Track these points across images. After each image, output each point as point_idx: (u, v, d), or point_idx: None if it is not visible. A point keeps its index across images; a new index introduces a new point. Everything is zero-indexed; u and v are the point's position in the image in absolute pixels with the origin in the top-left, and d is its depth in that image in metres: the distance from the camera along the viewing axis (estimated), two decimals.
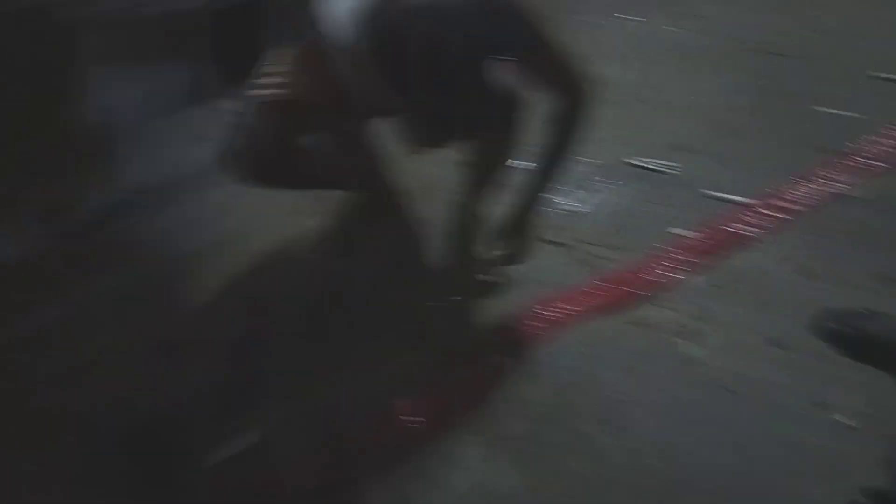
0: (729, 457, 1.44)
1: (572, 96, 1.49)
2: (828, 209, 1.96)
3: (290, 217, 1.95)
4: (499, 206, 1.76)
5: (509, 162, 1.74)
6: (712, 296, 1.76)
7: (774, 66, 2.54)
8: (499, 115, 1.53)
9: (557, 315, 1.69)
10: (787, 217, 1.95)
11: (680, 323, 1.71)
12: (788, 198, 1.98)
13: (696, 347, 1.66)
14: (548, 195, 1.66)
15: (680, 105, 2.39)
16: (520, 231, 1.68)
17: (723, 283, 1.79)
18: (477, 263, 1.80)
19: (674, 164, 2.14)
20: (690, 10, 2.90)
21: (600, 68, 2.51)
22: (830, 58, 2.56)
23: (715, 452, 1.45)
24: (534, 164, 1.59)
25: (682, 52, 2.65)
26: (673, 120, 2.32)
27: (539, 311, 1.70)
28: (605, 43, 2.72)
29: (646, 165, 2.14)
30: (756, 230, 1.91)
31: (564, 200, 2.03)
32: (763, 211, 1.96)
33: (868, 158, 2.10)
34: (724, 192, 2.03)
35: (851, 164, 2.08)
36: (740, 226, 1.92)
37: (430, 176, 1.98)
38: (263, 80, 1.46)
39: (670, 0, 2.96)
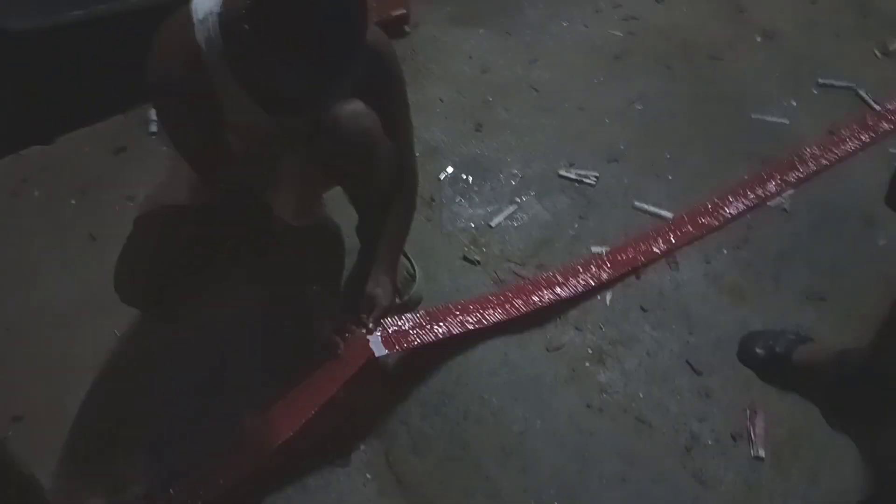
0: (639, 497, 1.33)
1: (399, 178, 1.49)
2: (758, 223, 1.86)
3: None
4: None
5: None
6: (633, 317, 1.65)
7: (713, 72, 2.44)
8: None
9: (462, 336, 1.56)
10: (716, 231, 1.84)
11: (596, 347, 1.60)
12: (718, 211, 1.88)
13: (610, 374, 1.54)
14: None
15: (616, 112, 2.29)
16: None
17: (645, 302, 1.68)
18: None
19: (606, 175, 2.03)
20: (629, 13, 2.80)
21: (541, 74, 2.45)
22: (773, 61, 2.46)
23: (625, 492, 1.33)
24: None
25: (619, 55, 2.55)
26: (609, 128, 2.21)
27: (441, 332, 1.56)
28: (544, 48, 2.62)
29: (577, 178, 2.03)
30: (683, 245, 1.80)
31: (490, 216, 1.92)
32: (690, 225, 1.85)
33: (803, 169, 2.00)
34: (652, 205, 1.92)
35: (785, 175, 1.98)
36: (666, 241, 1.81)
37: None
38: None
39: (607, 3, 2.86)
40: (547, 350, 1.58)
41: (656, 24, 2.69)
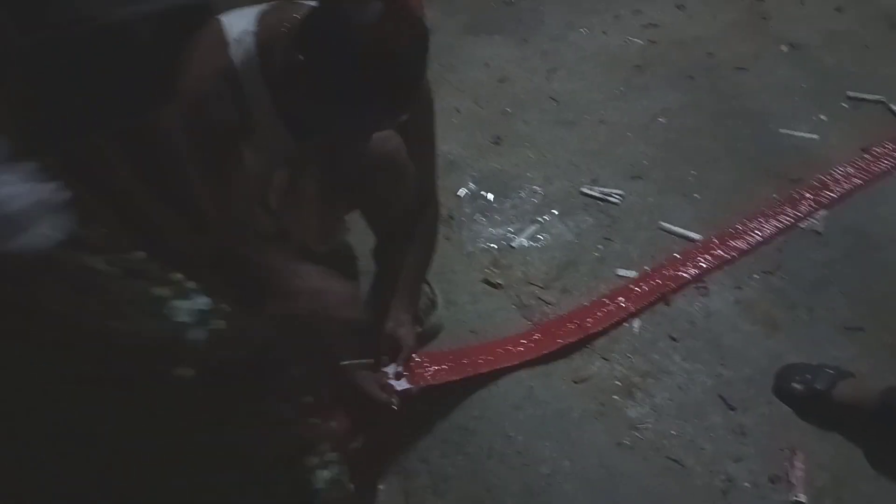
0: None
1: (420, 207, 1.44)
2: (790, 246, 1.78)
3: None
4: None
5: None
6: (662, 347, 1.58)
7: (738, 84, 2.36)
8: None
9: (484, 369, 1.49)
10: (746, 255, 1.77)
11: (624, 378, 1.53)
12: (748, 233, 1.81)
13: (640, 408, 1.47)
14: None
15: (639, 126, 2.21)
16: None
17: (675, 331, 1.61)
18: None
19: (630, 193, 1.96)
20: (649, 20, 2.72)
21: (560, 84, 2.38)
22: (800, 73, 2.38)
23: None
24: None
25: (639, 65, 2.47)
26: (631, 143, 2.14)
27: (462, 365, 1.49)
28: (562, 56, 2.54)
29: (601, 196, 1.95)
30: (713, 270, 1.73)
31: (511, 235, 1.85)
32: (720, 248, 1.77)
33: (836, 189, 1.92)
34: (679, 226, 1.85)
35: (818, 195, 1.90)
36: (696, 265, 1.74)
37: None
38: None
39: (627, 10, 2.78)
40: (574, 382, 1.52)
41: (678, 32, 2.62)
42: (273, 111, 1.13)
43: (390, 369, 1.36)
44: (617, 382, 1.52)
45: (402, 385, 1.33)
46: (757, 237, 1.80)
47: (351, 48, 0.99)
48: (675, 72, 2.43)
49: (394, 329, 1.37)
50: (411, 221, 1.46)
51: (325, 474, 1.05)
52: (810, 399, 1.44)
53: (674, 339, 1.59)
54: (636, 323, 1.63)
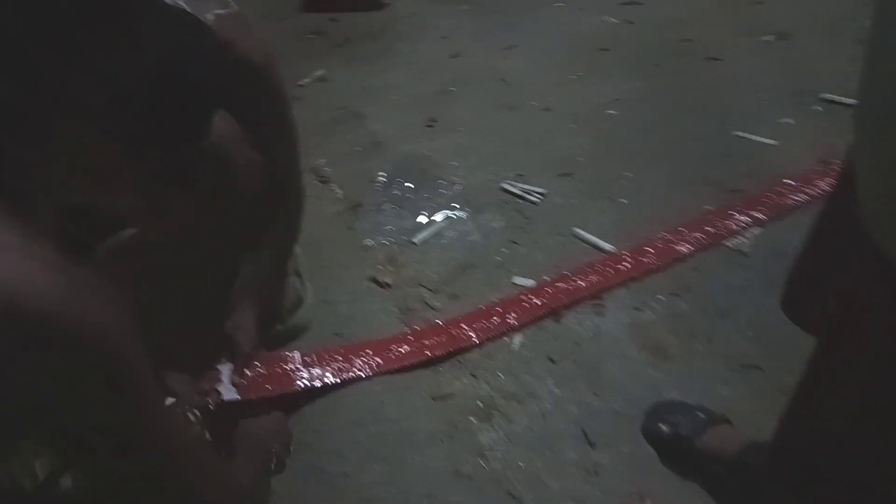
0: None
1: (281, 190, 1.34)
2: (708, 266, 1.64)
3: None
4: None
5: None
6: (538, 368, 1.48)
7: (706, 75, 2.17)
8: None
9: (338, 375, 1.42)
10: (657, 273, 1.63)
11: (487, 399, 1.43)
12: (666, 248, 1.67)
13: (494, 434, 1.38)
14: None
15: (585, 116, 2.06)
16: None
17: (556, 352, 1.50)
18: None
19: (553, 192, 1.83)
20: None
21: (514, 63, 2.23)
22: (779, 68, 2.17)
23: None
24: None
25: (607, 47, 2.29)
26: (572, 135, 2.00)
27: (313, 369, 1.42)
28: (526, 32, 2.39)
29: (521, 193, 1.83)
30: (614, 287, 1.61)
31: (415, 230, 1.75)
32: (629, 262, 1.64)
33: (777, 205, 1.75)
34: (594, 234, 1.72)
35: (755, 210, 1.74)
36: (597, 279, 1.61)
37: None
38: None
39: None
40: (432, 399, 1.43)
41: (660, 12, 2.43)
42: None
43: (225, 372, 1.30)
44: (479, 403, 1.43)
45: (230, 393, 1.27)
46: (675, 253, 1.66)
47: None
48: (642, 57, 2.26)
49: (231, 330, 1.30)
50: (266, 217, 1.38)
51: None
52: (674, 443, 1.32)
53: (552, 361, 1.49)
54: (517, 339, 1.53)
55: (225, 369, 1.30)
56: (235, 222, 1.40)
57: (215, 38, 1.14)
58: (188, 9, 1.04)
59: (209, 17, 1.17)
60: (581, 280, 1.61)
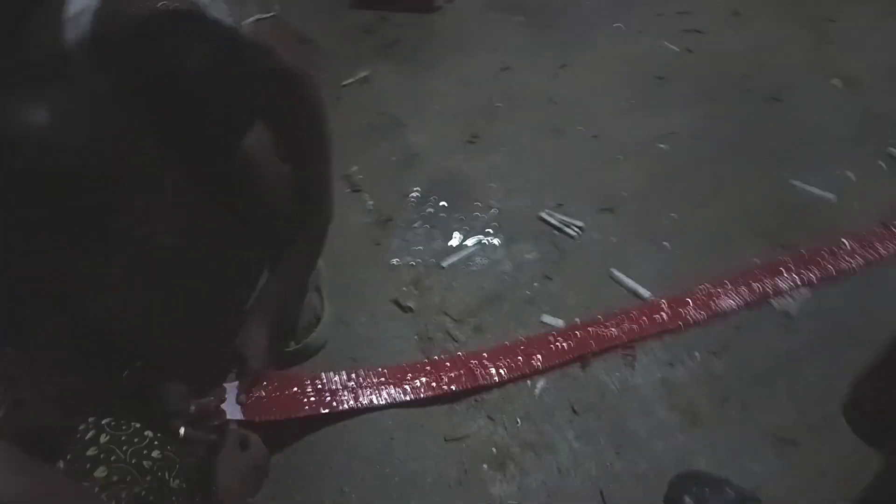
0: None
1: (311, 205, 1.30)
2: (750, 326, 1.54)
3: None
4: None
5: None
6: (559, 418, 1.40)
7: (766, 116, 2.06)
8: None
9: (340, 408, 1.35)
10: (695, 327, 1.54)
11: (503, 446, 1.36)
12: (708, 301, 1.57)
13: (506, 486, 1.31)
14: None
15: (634, 148, 1.97)
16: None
17: (580, 402, 1.42)
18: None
19: (593, 227, 1.74)
20: (694, 24, 2.41)
21: (565, 83, 2.13)
22: (843, 116, 2.05)
23: None
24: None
25: (663, 76, 2.19)
26: (618, 167, 1.91)
27: (321, 399, 1.35)
28: (581, 51, 2.30)
29: (558, 225, 1.74)
30: (648, 338, 1.52)
31: (444, 252, 1.68)
32: (666, 313, 1.55)
33: (830, 267, 1.64)
34: (631, 278, 1.63)
35: (805, 270, 1.64)
36: (630, 328, 1.53)
37: None
38: None
39: (673, 8, 2.48)
40: (444, 440, 1.36)
41: (720, 43, 2.32)
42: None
43: (230, 390, 1.24)
44: (493, 449, 1.35)
45: (234, 413, 1.21)
46: (716, 308, 1.56)
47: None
48: (699, 90, 2.15)
49: (241, 345, 1.24)
50: (291, 230, 1.32)
51: None
52: None
53: (574, 412, 1.41)
54: (540, 383, 1.45)
55: (231, 387, 1.24)
56: (259, 233, 1.34)
57: (254, 47, 1.08)
58: (229, 18, 0.98)
59: (249, 22, 1.11)
60: (613, 327, 1.53)
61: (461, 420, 1.40)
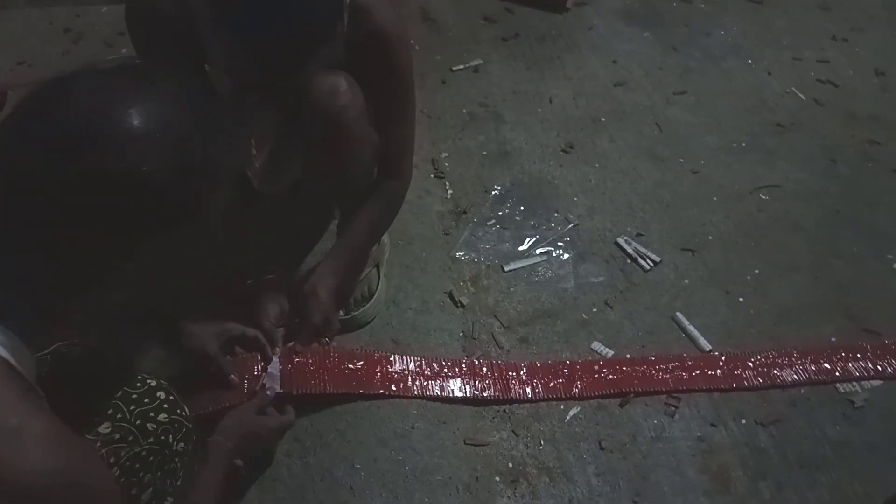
0: None
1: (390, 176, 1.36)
2: (808, 406, 1.46)
3: None
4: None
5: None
6: (583, 450, 1.37)
7: (886, 190, 1.92)
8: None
9: (376, 390, 1.37)
10: (748, 391, 1.47)
11: (520, 463, 1.34)
12: (769, 368, 1.49)
13: (514, 502, 1.29)
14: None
15: (732, 192, 1.88)
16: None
17: (609, 439, 1.38)
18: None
19: (668, 264, 1.68)
20: (830, 75, 2.27)
21: (677, 111, 2.05)
22: None
23: None
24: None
25: (783, 124, 2.08)
26: (710, 208, 1.83)
27: (355, 375, 1.37)
28: (702, 81, 2.22)
29: (634, 254, 1.69)
30: (696, 391, 1.46)
31: (510, 256, 1.67)
32: (722, 370, 1.49)
33: None
34: (695, 326, 1.57)
35: (882, 360, 1.53)
36: (679, 375, 1.47)
37: None
38: None
39: (813, 54, 2.34)
40: (464, 441, 1.36)
41: (855, 101, 2.17)
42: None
43: (274, 361, 1.28)
44: (510, 464, 1.34)
45: (272, 386, 1.24)
46: (775, 377, 1.48)
47: None
48: (819, 147, 2.03)
49: (310, 289, 1.28)
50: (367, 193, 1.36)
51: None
52: None
53: (601, 447, 1.37)
54: (573, 410, 1.42)
55: (275, 358, 1.28)
56: (337, 189, 1.38)
57: (354, 3, 1.10)
58: None
59: None
60: (663, 371, 1.47)
61: (485, 426, 1.39)
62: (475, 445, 1.36)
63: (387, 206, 1.39)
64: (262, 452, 1.25)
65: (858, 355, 1.53)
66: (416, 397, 1.38)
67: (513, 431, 1.39)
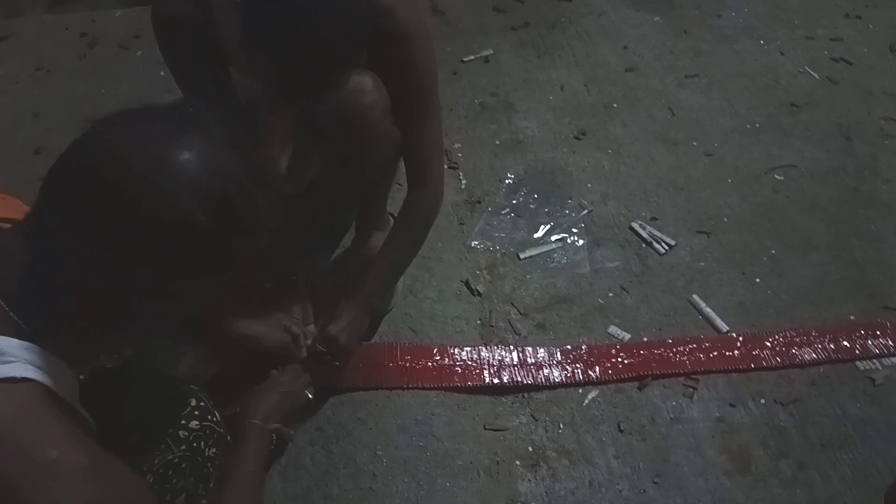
0: None
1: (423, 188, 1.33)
2: (828, 384, 1.45)
3: None
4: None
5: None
6: (602, 433, 1.38)
7: None
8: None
9: (399, 377, 1.39)
10: (768, 371, 1.47)
11: (540, 447, 1.36)
12: (787, 347, 1.49)
13: (534, 487, 1.31)
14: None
15: (747, 173, 1.87)
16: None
17: (628, 422, 1.39)
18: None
19: (684, 247, 1.68)
20: (844, 53, 2.25)
21: (689, 95, 2.04)
22: None
23: None
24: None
25: (798, 104, 2.06)
26: (725, 190, 1.82)
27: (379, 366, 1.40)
28: (713, 63, 2.20)
29: (649, 238, 1.70)
30: (714, 372, 1.46)
31: (525, 243, 1.67)
32: (740, 350, 1.49)
33: None
34: (711, 307, 1.57)
35: None
36: (697, 357, 1.47)
37: None
38: None
39: (826, 32, 2.32)
40: (484, 427, 1.37)
41: (870, 79, 2.15)
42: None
43: None
44: (529, 448, 1.35)
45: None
46: (794, 356, 1.48)
47: None
48: (834, 126, 2.01)
49: (336, 331, 1.27)
50: (384, 185, 1.38)
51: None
52: None
53: (620, 430, 1.38)
54: (592, 393, 1.43)
55: None
56: (357, 185, 1.39)
57: (375, 4, 1.11)
58: None
59: None
60: (680, 353, 1.48)
61: (505, 412, 1.40)
62: (495, 430, 1.37)
63: (417, 221, 1.34)
64: (299, 412, 1.27)
65: (878, 332, 1.52)
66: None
67: (532, 416, 1.40)
